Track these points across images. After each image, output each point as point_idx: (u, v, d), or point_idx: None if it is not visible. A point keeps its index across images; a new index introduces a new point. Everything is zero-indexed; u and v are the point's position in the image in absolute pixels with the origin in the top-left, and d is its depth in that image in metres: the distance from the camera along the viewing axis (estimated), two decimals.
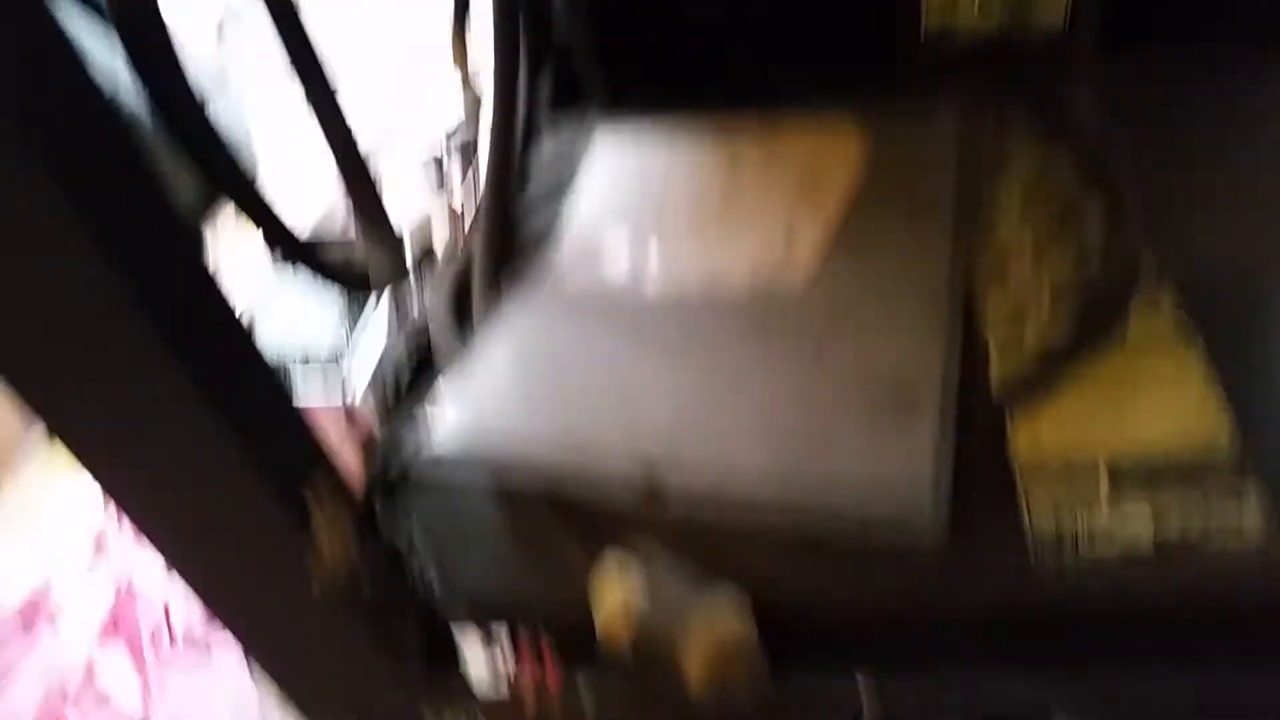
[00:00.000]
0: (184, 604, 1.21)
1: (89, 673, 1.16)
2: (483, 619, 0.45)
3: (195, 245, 0.36)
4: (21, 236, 0.31)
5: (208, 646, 1.18)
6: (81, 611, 1.22)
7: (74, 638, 1.19)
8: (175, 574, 0.43)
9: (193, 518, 0.40)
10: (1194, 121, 0.69)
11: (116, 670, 1.17)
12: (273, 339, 1.30)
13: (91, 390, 0.35)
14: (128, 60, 0.43)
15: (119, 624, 1.21)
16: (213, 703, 1.12)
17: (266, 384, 0.40)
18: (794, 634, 0.46)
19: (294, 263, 0.51)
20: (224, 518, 0.40)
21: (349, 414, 1.00)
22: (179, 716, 1.11)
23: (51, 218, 0.30)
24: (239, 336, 0.38)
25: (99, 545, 1.30)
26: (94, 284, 0.31)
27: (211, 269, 0.36)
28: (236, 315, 0.37)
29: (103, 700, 1.14)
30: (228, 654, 1.17)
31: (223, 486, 0.38)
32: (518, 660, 0.43)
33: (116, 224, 0.31)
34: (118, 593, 1.22)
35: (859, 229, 0.65)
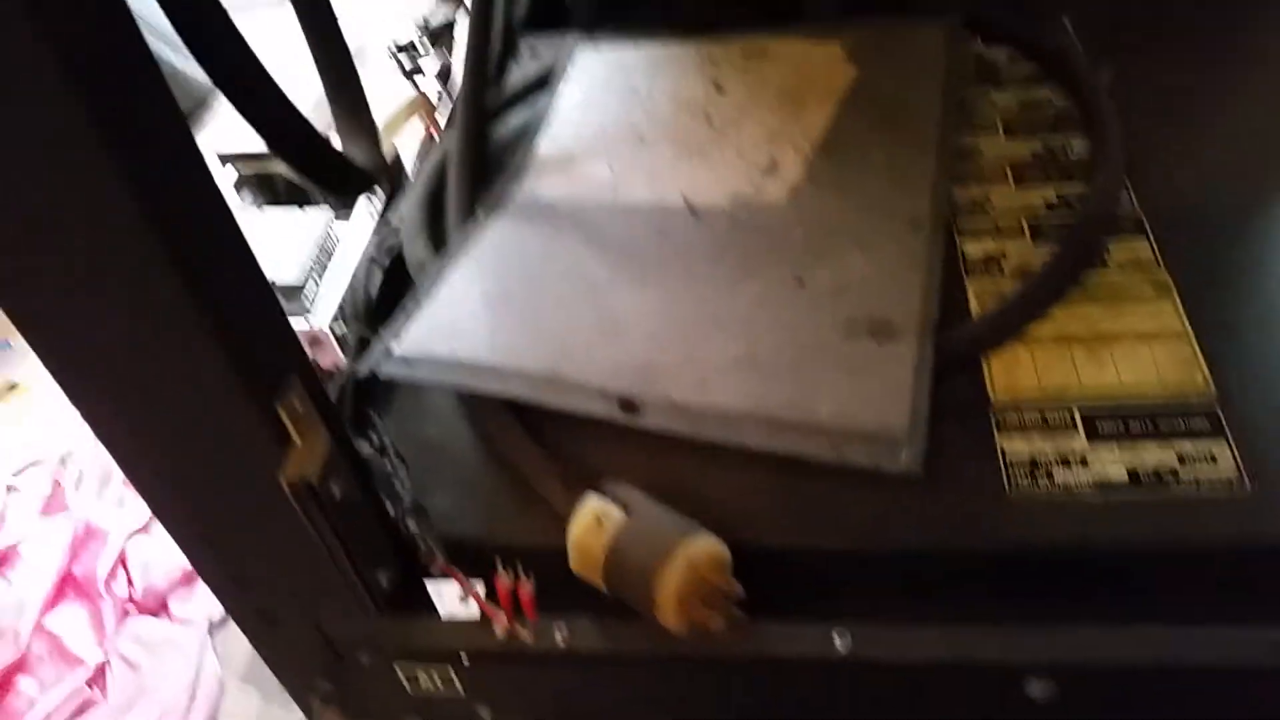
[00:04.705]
0: (143, 554, 1.18)
1: (43, 619, 1.12)
2: (452, 554, 0.44)
3: (190, 138, 0.33)
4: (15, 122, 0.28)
5: (166, 598, 1.15)
6: (37, 557, 1.18)
7: (29, 583, 1.15)
8: (143, 487, 0.42)
9: (167, 423, 0.38)
10: (1186, 49, 0.69)
11: (71, 618, 1.13)
12: None
13: (69, 280, 0.33)
14: None
15: (76, 571, 1.17)
16: (169, 654, 1.10)
17: (253, 284, 0.38)
18: (771, 575, 0.44)
19: (287, 158, 0.47)
20: (198, 421, 0.38)
21: (314, 338, 0.98)
22: (134, 666, 1.09)
23: (49, 97, 0.27)
24: (230, 233, 0.35)
25: (56, 491, 1.26)
26: (81, 165, 0.29)
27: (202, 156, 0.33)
28: (225, 205, 0.35)
29: (56, 646, 1.11)
30: (186, 605, 1.15)
31: (199, 385, 0.36)
32: (493, 600, 0.42)
33: (115, 110, 0.29)
34: (75, 539, 1.17)
35: (842, 150, 0.64)
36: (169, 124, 0.32)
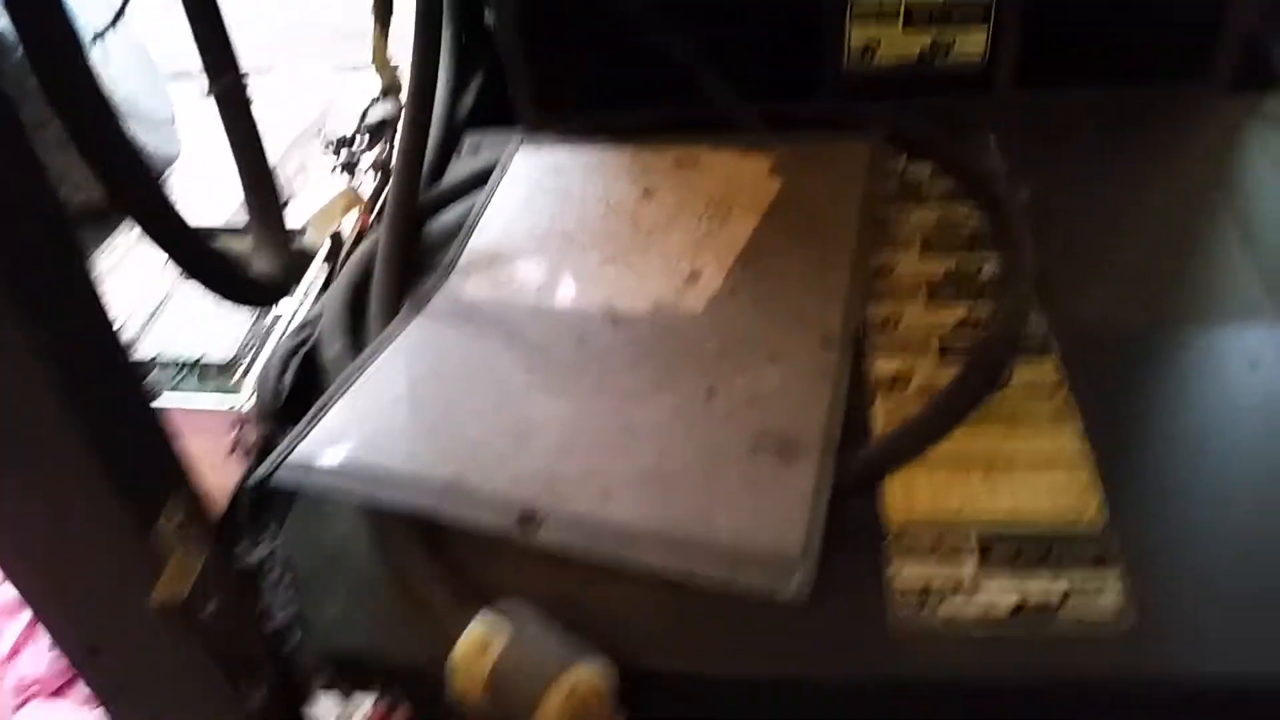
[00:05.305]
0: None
1: None
2: (336, 668, 0.43)
3: (71, 239, 0.33)
4: None
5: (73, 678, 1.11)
6: None
7: None
8: (24, 593, 0.41)
9: (39, 528, 0.38)
10: (1100, 170, 0.71)
11: None
12: (170, 339, 1.26)
13: None
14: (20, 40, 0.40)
15: None
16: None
17: (131, 392, 0.38)
18: (658, 697, 0.45)
19: (186, 274, 0.48)
20: (71, 530, 0.37)
21: (239, 420, 0.97)
22: None
23: None
24: (108, 340, 0.35)
25: None
26: None
27: (90, 267, 0.34)
28: (109, 318, 0.35)
29: None
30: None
31: (72, 494, 0.36)
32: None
33: None
34: None
35: (762, 262, 0.65)
36: (48, 221, 0.32)
